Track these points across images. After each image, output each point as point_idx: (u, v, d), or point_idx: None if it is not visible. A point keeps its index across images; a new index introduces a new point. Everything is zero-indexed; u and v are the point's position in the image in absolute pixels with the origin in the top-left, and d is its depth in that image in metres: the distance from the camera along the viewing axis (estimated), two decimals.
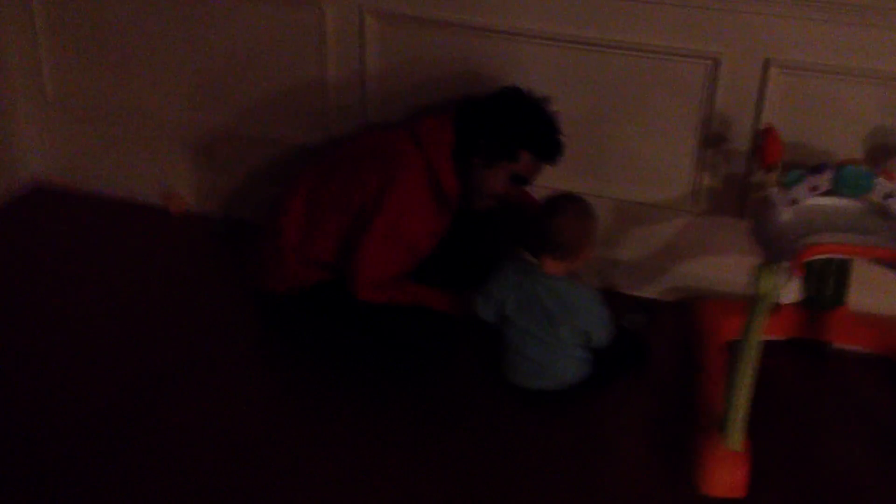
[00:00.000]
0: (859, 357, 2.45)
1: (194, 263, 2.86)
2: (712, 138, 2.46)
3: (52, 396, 2.27)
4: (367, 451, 2.12)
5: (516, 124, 2.30)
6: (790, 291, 1.90)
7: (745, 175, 2.47)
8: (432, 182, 2.30)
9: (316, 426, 2.20)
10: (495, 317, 2.30)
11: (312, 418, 2.23)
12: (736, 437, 1.96)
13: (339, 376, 2.37)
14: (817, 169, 2.16)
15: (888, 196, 2.12)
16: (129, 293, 2.69)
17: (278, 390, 2.36)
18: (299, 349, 2.46)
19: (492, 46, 2.55)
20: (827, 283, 2.42)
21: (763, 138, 2.19)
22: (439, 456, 2.11)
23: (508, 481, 2.04)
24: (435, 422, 2.22)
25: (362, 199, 2.29)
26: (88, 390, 2.29)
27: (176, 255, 2.91)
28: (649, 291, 2.70)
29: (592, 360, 2.27)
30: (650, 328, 2.52)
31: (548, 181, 2.65)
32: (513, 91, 2.35)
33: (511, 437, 2.17)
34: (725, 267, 2.63)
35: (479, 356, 2.42)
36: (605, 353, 2.27)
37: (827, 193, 2.15)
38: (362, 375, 2.36)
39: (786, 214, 2.16)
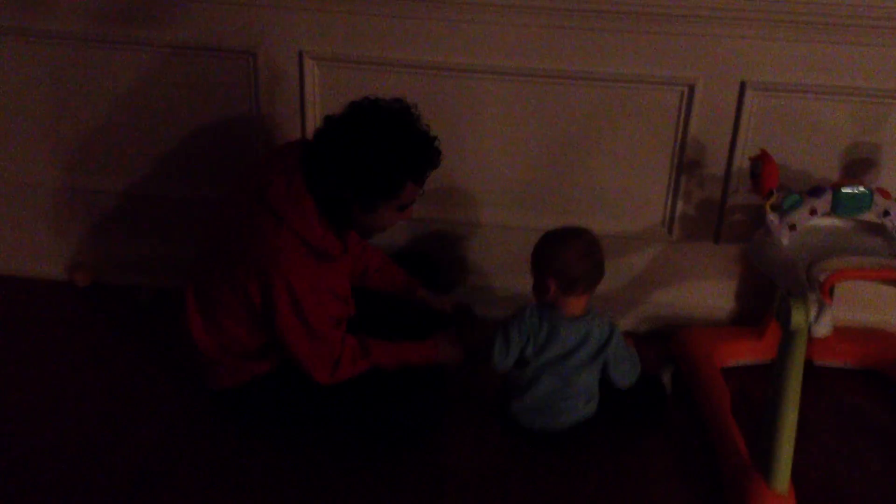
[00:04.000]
0: (842, 372, 2.45)
1: (134, 344, 2.53)
2: (687, 164, 2.40)
3: None
4: None
5: (386, 161, 1.90)
6: (825, 323, 1.85)
7: (721, 199, 2.43)
8: (308, 248, 2.00)
9: None
10: (513, 363, 2.16)
11: None
12: (783, 480, 1.89)
13: (327, 459, 2.14)
14: (815, 192, 2.13)
15: (884, 214, 2.12)
16: (66, 383, 2.37)
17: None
18: (273, 440, 2.20)
19: (447, 84, 2.39)
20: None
21: (760, 164, 2.13)
22: None
23: None
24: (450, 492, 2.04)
25: (250, 302, 2.00)
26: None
27: (106, 334, 2.57)
28: (624, 324, 2.61)
29: (602, 403, 2.17)
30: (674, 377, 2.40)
31: (518, 221, 2.53)
32: (361, 115, 1.94)
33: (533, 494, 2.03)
34: (700, 293, 2.59)
35: (467, 412, 2.27)
36: (626, 396, 2.18)
37: (824, 215, 2.14)
38: (350, 456, 2.15)
39: (785, 238, 2.13)
